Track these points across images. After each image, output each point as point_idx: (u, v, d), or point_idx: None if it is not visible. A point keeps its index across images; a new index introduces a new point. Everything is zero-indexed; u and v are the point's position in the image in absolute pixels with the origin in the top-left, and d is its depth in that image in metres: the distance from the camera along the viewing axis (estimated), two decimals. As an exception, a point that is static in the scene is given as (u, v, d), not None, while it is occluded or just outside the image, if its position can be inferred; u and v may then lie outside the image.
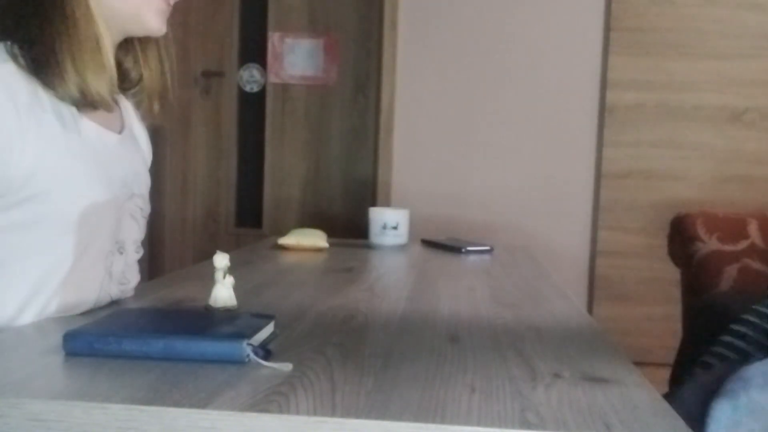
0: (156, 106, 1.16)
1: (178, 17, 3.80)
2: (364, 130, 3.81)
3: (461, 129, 3.43)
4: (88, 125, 1.00)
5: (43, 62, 0.94)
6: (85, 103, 0.97)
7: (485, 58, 3.41)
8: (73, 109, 0.97)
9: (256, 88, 3.90)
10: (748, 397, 0.92)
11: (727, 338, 1.28)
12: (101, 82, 0.98)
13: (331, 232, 1.93)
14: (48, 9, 0.96)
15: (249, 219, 3.95)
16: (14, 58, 0.93)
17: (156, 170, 4.22)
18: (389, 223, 1.90)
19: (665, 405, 0.69)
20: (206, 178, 3.96)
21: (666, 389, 1.77)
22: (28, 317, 0.94)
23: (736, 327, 1.28)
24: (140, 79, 1.14)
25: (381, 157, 3.48)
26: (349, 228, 3.71)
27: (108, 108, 1.02)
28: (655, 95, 3.32)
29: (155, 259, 3.83)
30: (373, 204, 3.45)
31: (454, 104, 3.43)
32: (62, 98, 0.95)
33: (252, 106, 3.91)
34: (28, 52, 0.94)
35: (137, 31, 1.06)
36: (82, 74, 0.95)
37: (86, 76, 0.96)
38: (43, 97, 0.94)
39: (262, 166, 3.92)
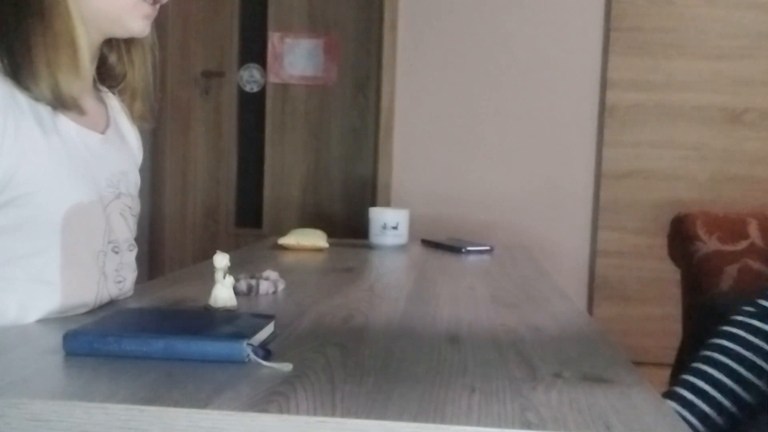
0: (138, 107, 1.16)
1: (178, 17, 3.81)
2: (364, 130, 3.81)
3: (461, 129, 3.43)
4: (68, 125, 0.99)
5: (18, 63, 0.93)
6: (58, 104, 0.96)
7: (485, 58, 3.41)
8: (51, 110, 0.97)
9: (256, 88, 3.90)
10: None
11: (717, 341, 1.28)
12: (73, 84, 0.97)
13: (331, 232, 1.93)
14: (25, 8, 0.95)
15: (249, 219, 3.95)
16: None
17: (156, 170, 4.21)
18: (389, 223, 1.90)
19: (665, 405, 0.69)
20: (206, 178, 3.96)
21: (666, 389, 1.77)
22: (28, 322, 0.94)
23: (725, 328, 1.28)
24: (124, 76, 1.13)
25: (381, 157, 3.48)
26: (349, 228, 3.71)
27: (80, 110, 1.00)
28: (655, 95, 3.32)
29: (155, 259, 3.83)
30: (373, 204, 3.45)
31: (454, 104, 3.43)
32: (37, 99, 0.95)
33: (252, 106, 3.91)
34: (5, 52, 0.94)
35: (119, 32, 1.06)
36: (54, 75, 0.94)
37: (59, 77, 0.95)
38: (20, 98, 0.93)
39: (262, 166, 3.92)
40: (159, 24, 1.10)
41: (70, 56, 0.97)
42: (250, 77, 3.89)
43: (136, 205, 1.12)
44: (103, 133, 1.07)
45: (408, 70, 3.45)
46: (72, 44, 0.97)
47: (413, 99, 3.45)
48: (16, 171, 0.90)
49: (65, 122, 0.99)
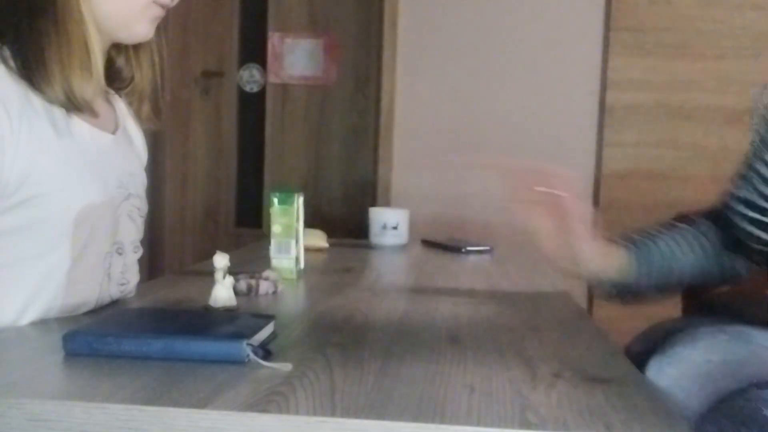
0: (146, 109, 1.16)
1: (178, 17, 3.81)
2: (364, 130, 3.81)
3: (461, 129, 3.43)
4: (81, 126, 0.99)
5: (31, 65, 0.93)
6: (71, 106, 0.97)
7: (485, 57, 3.41)
8: (64, 111, 0.97)
9: (256, 88, 3.90)
10: (673, 350, 1.06)
11: None
12: (86, 87, 0.97)
13: (331, 232, 1.93)
14: (38, 10, 0.95)
15: (249, 219, 3.95)
16: (4, 61, 0.93)
17: (156, 170, 4.20)
18: (389, 223, 1.90)
19: (665, 405, 0.69)
20: (206, 178, 3.96)
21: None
22: (28, 321, 0.94)
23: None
24: (132, 79, 1.13)
25: (381, 157, 3.48)
26: (349, 228, 3.71)
27: (93, 113, 1.01)
28: (655, 95, 3.32)
29: (155, 259, 3.83)
30: (373, 204, 3.45)
31: (454, 104, 3.43)
32: (51, 101, 0.95)
33: (252, 106, 3.91)
34: (18, 54, 0.94)
35: (125, 37, 1.06)
36: (68, 78, 0.95)
37: (72, 80, 0.95)
38: (34, 100, 0.93)
39: (262, 166, 3.91)
40: (159, 24, 1.10)
41: (83, 59, 0.97)
42: (250, 77, 3.89)
43: (144, 206, 1.13)
44: (113, 133, 1.07)
45: (408, 70, 3.44)
46: (85, 47, 0.97)
47: (413, 99, 3.45)
48: (29, 172, 0.91)
49: (79, 123, 0.99)
